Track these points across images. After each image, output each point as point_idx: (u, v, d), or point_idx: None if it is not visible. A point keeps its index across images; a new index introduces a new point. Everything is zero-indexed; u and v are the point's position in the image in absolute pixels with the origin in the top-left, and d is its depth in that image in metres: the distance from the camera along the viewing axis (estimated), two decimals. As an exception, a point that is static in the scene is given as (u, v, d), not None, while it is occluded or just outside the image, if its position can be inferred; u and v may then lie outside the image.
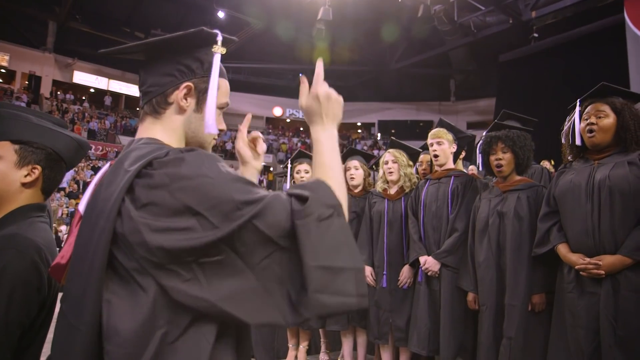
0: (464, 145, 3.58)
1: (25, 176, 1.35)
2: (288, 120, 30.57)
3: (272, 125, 30.09)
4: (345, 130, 30.89)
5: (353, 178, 3.91)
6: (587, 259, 2.22)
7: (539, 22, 16.68)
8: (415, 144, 3.73)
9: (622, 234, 2.16)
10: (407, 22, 20.21)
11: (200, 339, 0.87)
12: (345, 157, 4.09)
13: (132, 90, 26.35)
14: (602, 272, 2.16)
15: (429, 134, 3.51)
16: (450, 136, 3.44)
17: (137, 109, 26.74)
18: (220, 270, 0.85)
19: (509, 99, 18.01)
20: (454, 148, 3.45)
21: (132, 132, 23.87)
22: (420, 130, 28.39)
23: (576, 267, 2.26)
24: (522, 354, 2.57)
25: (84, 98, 24.58)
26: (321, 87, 1.09)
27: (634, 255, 2.09)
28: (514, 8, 16.64)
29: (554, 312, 2.48)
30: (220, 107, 1.14)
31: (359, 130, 31.14)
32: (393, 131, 29.60)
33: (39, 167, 1.37)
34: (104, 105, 24.92)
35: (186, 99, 1.08)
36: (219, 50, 1.09)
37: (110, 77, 25.86)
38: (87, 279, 0.87)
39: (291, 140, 28.06)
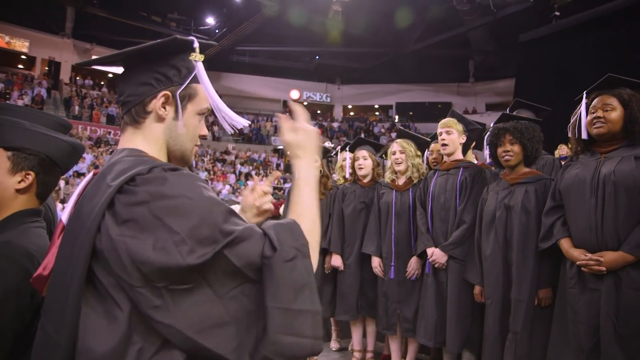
0: (474, 137, 3.53)
1: (19, 182, 1.36)
2: (305, 103, 30.42)
3: (290, 108, 29.99)
4: (363, 113, 30.66)
5: (362, 168, 3.89)
6: (589, 255, 2.20)
7: (561, 0, 16.15)
8: (433, 126, 3.67)
9: (625, 230, 2.13)
10: (425, 2, 19.78)
11: (174, 356, 0.89)
12: (354, 147, 4.07)
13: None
14: (604, 268, 2.14)
15: (439, 124, 3.47)
16: (460, 127, 3.40)
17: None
18: (189, 298, 0.87)
19: (529, 80, 17.57)
20: (463, 139, 3.40)
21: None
22: (438, 112, 27.98)
23: (577, 262, 2.25)
24: (527, 348, 2.56)
25: (102, 83, 24.81)
26: (304, 122, 1.15)
27: (636, 252, 2.07)
28: (535, -15, 16.17)
29: (555, 307, 2.47)
30: (200, 113, 1.14)
31: (377, 113, 30.85)
32: (411, 113, 29.28)
33: (32, 172, 1.38)
34: (122, 90, 25.13)
35: (164, 108, 1.08)
36: (197, 58, 1.08)
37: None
38: (67, 293, 0.89)
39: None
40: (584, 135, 2.35)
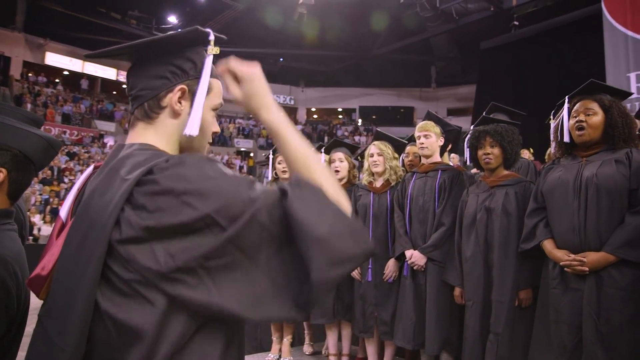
0: (451, 138, 3.56)
1: None
2: (269, 105, 30.21)
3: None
4: (327, 116, 30.77)
5: (338, 171, 3.85)
6: (572, 255, 2.24)
7: (520, 11, 16.81)
8: (396, 130, 3.71)
9: (607, 231, 2.19)
10: (389, 8, 20.07)
11: (207, 346, 0.87)
12: (329, 149, 4.04)
13: (109, 73, 25.60)
14: (586, 268, 2.19)
15: (417, 127, 3.48)
16: (437, 129, 3.42)
17: (114, 92, 26.17)
18: (228, 272, 0.83)
19: (489, 86, 18.14)
20: (441, 141, 3.43)
21: (108, 116, 23.27)
22: (401, 116, 28.49)
23: (561, 263, 2.29)
24: (509, 349, 2.60)
25: (57, 81, 23.81)
26: (248, 67, 1.02)
27: (618, 252, 2.13)
28: (495, -5, 16.73)
29: (537, 307, 2.51)
30: (214, 109, 1.09)
31: (340, 116, 31.04)
32: (374, 117, 29.63)
33: (4, 169, 1.27)
34: (79, 88, 24.17)
35: (180, 102, 1.03)
36: (212, 51, 1.04)
37: (85, 59, 25.04)
38: (75, 293, 0.83)
39: (272, 125, 27.78)
40: (566, 139, 2.40)
